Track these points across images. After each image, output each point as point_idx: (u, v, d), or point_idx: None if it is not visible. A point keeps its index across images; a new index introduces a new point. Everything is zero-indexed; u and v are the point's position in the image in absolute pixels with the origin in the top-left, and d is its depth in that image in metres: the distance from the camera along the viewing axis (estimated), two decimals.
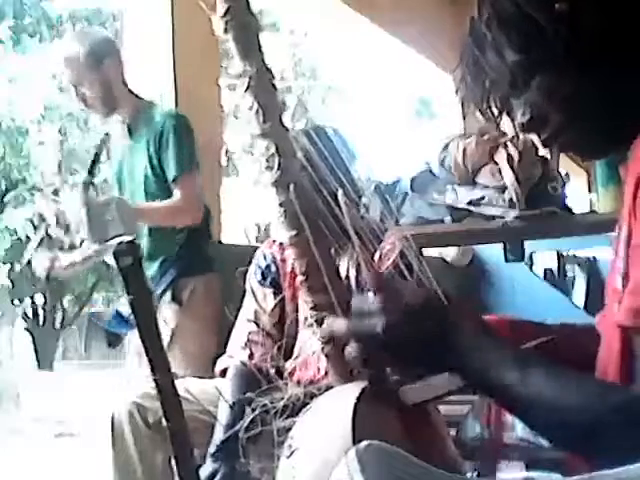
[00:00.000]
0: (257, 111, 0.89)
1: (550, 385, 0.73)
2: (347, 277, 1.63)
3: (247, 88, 0.89)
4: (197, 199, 2.27)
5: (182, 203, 2.23)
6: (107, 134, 2.28)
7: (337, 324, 0.84)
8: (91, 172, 2.14)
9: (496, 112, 0.91)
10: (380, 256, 1.44)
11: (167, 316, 2.22)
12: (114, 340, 2.35)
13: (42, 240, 2.25)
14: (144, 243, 2.29)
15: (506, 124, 0.95)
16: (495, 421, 1.64)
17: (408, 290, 0.82)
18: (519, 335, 0.97)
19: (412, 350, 0.80)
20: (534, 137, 0.94)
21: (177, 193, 2.25)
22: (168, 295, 2.27)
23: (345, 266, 1.64)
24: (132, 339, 2.31)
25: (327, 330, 0.86)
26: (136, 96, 2.37)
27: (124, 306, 2.32)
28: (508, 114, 0.91)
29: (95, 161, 2.18)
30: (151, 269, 2.28)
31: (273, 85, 0.91)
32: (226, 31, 0.89)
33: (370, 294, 0.81)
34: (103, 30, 2.56)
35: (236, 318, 1.79)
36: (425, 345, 0.79)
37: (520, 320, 1.04)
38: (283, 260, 1.76)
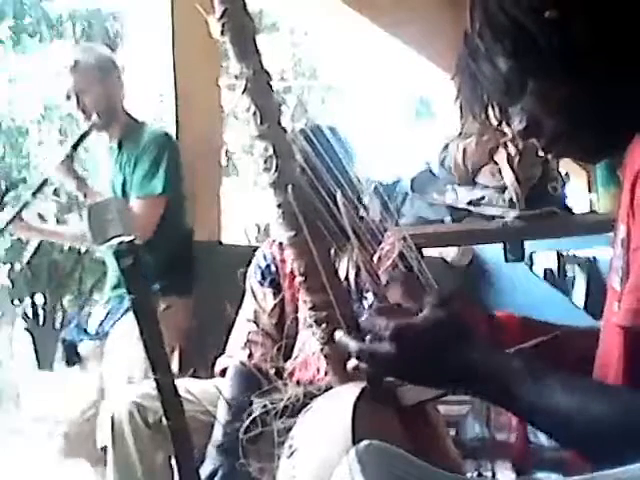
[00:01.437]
0: (254, 113, 0.89)
1: (570, 398, 0.74)
2: (347, 278, 1.63)
3: (244, 90, 0.89)
4: (147, 225, 2.24)
5: (131, 217, 2.20)
6: (94, 124, 2.31)
7: (351, 345, 0.85)
8: (73, 148, 2.27)
9: (495, 122, 0.92)
10: (380, 257, 1.44)
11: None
12: (71, 355, 2.35)
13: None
14: None
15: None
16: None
17: (420, 315, 0.83)
18: (529, 333, 0.97)
19: (426, 376, 0.82)
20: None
21: (134, 204, 2.25)
22: None
23: (345, 267, 1.64)
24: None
25: (340, 347, 0.86)
26: (130, 116, 2.40)
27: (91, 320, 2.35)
28: (507, 123, 0.91)
29: (80, 140, 2.30)
30: None
31: (270, 87, 0.91)
32: (223, 33, 0.90)
33: (382, 318, 0.82)
34: (106, 47, 2.58)
35: (236, 318, 1.79)
36: (439, 370, 0.80)
37: (531, 319, 1.04)
38: (283, 260, 1.76)
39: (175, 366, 2.22)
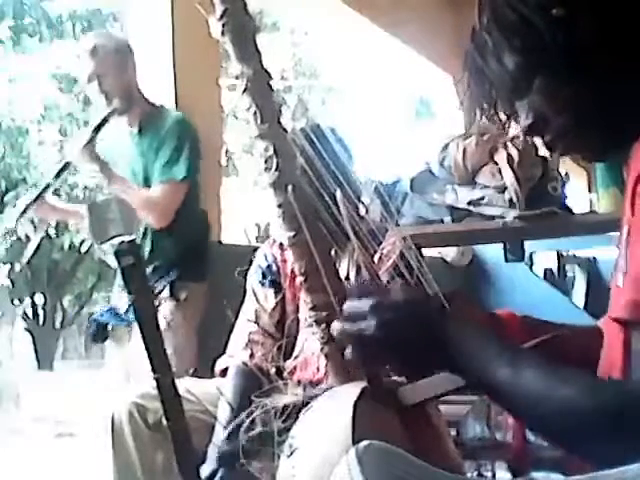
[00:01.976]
0: (255, 113, 0.89)
1: (542, 381, 0.73)
2: (347, 277, 1.63)
3: (244, 90, 0.89)
4: (169, 209, 2.30)
5: (154, 201, 2.28)
6: (116, 107, 2.32)
7: (334, 326, 0.85)
8: (95, 131, 2.26)
9: (504, 118, 0.92)
10: (380, 257, 1.44)
11: (163, 312, 2.26)
12: (99, 335, 2.39)
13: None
14: (147, 242, 2.33)
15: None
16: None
17: (395, 290, 0.83)
18: (530, 332, 0.97)
19: (404, 348, 0.81)
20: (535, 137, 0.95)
21: (156, 189, 2.29)
22: (166, 292, 2.30)
23: (345, 267, 1.64)
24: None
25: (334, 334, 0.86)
26: (147, 100, 2.43)
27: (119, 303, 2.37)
28: (515, 119, 0.92)
29: (102, 123, 2.29)
30: (150, 269, 2.31)
31: (271, 87, 0.91)
32: (223, 34, 0.90)
33: (361, 299, 0.82)
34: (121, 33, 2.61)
35: (236, 318, 1.79)
36: (415, 342, 0.80)
37: (531, 317, 1.04)
38: (284, 260, 1.76)
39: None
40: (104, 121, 2.30)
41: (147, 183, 2.34)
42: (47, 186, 2.34)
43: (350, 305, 0.83)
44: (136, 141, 2.38)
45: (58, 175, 2.34)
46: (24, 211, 2.29)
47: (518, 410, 0.77)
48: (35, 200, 2.30)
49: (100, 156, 2.26)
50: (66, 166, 2.32)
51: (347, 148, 1.73)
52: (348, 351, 0.83)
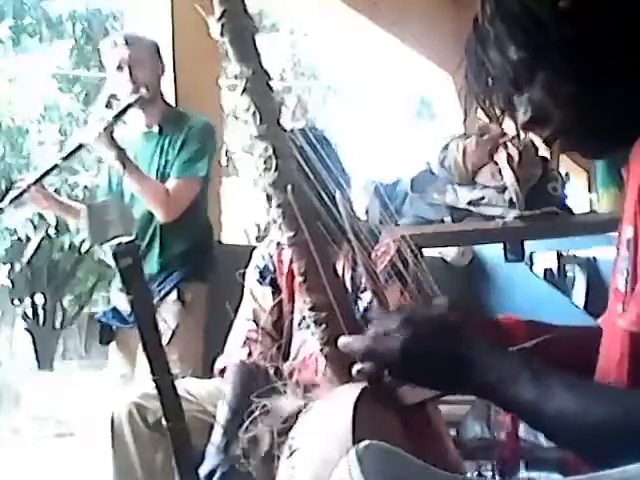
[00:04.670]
0: (254, 113, 0.89)
1: (570, 399, 0.72)
2: (342, 276, 1.63)
3: (244, 90, 0.89)
4: (180, 204, 2.31)
5: (168, 193, 2.28)
6: (141, 96, 2.32)
7: (355, 343, 0.84)
8: (116, 117, 2.25)
9: (498, 111, 0.90)
10: (374, 258, 1.43)
11: (168, 316, 2.25)
12: (106, 335, 2.38)
13: None
14: (157, 241, 2.34)
15: (508, 124, 0.94)
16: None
17: (421, 311, 0.83)
18: (534, 336, 0.96)
19: (429, 372, 0.81)
20: (534, 137, 0.94)
21: (172, 184, 2.30)
22: (173, 295, 2.30)
23: (340, 267, 1.64)
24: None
25: (344, 348, 0.86)
26: (166, 102, 2.46)
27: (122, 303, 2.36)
28: (510, 113, 0.90)
29: (124, 110, 2.28)
30: (157, 267, 2.33)
31: (270, 87, 0.91)
32: (222, 34, 0.89)
33: (388, 318, 0.82)
34: None
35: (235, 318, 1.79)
36: (442, 366, 0.80)
37: (537, 322, 1.03)
38: (280, 261, 1.77)
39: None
40: (127, 107, 2.30)
41: (162, 181, 2.35)
42: (54, 166, 2.31)
43: (378, 324, 0.82)
44: (156, 140, 2.39)
45: (69, 156, 2.30)
46: (25, 190, 2.27)
47: (551, 432, 0.76)
48: (38, 180, 2.28)
49: (117, 142, 2.25)
50: (79, 148, 2.29)
51: (333, 155, 1.68)
52: (359, 366, 0.83)
